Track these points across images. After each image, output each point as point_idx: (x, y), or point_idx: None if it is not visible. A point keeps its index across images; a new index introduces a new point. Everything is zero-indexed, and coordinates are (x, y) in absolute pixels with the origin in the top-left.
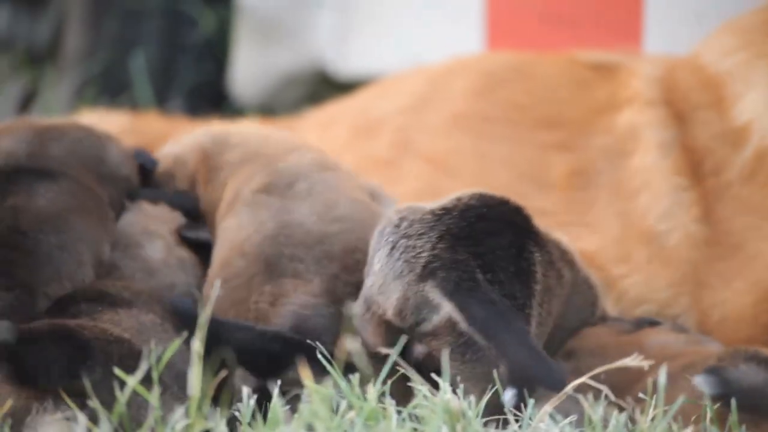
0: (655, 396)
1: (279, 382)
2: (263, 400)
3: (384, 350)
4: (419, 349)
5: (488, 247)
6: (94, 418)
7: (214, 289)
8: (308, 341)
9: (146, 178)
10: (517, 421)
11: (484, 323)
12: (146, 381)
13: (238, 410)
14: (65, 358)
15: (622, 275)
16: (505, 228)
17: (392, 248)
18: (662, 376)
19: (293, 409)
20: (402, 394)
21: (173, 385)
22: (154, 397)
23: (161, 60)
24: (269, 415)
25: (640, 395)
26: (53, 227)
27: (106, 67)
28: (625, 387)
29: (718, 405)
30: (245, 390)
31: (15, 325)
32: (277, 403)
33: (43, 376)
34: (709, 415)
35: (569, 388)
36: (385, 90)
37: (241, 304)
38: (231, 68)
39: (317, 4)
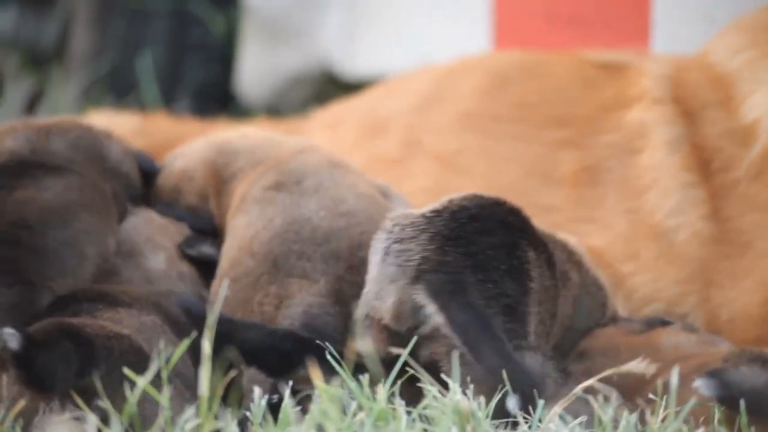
0: (665, 397)
1: (290, 383)
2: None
3: (395, 350)
4: (423, 352)
5: (479, 247)
6: (102, 417)
7: (221, 289)
8: (318, 341)
9: (147, 182)
10: (526, 421)
11: (463, 327)
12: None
13: (249, 410)
14: (74, 358)
15: (630, 272)
16: (497, 227)
17: (385, 253)
18: (674, 377)
19: (303, 410)
20: (412, 395)
21: (175, 380)
22: (164, 397)
23: (168, 60)
24: (280, 415)
25: (650, 396)
26: (60, 221)
27: (113, 68)
28: (638, 388)
29: (723, 408)
30: (256, 390)
31: (21, 331)
32: (288, 403)
33: (52, 377)
34: (717, 416)
35: (579, 389)
36: (393, 89)
37: (246, 304)
38: (238, 68)
39: (324, 4)
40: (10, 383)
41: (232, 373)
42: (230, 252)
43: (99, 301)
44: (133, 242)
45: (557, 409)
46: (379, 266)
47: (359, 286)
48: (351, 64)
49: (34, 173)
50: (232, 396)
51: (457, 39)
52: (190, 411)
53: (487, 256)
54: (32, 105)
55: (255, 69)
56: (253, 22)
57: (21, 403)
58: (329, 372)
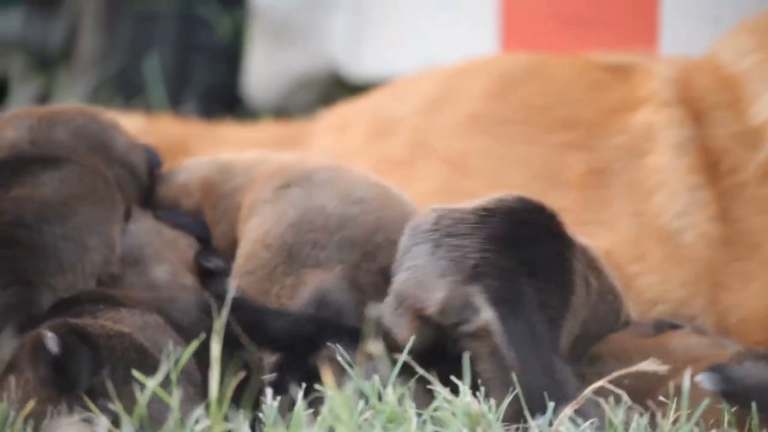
0: (676, 399)
1: (303, 385)
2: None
3: (398, 354)
4: (456, 347)
5: (532, 254)
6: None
7: (230, 289)
8: (329, 344)
9: (150, 176)
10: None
11: (517, 339)
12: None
13: (261, 412)
14: (87, 360)
15: (637, 274)
16: (545, 234)
17: (436, 245)
18: (686, 380)
19: (315, 412)
20: (423, 397)
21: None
22: (174, 399)
23: (175, 62)
24: (292, 418)
25: (661, 398)
26: (58, 216)
27: (120, 70)
28: (649, 390)
29: (733, 410)
30: (268, 391)
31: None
32: (300, 406)
33: (77, 378)
34: (727, 418)
35: (589, 391)
36: (400, 91)
37: (263, 295)
38: (245, 70)
39: (331, 6)
40: (18, 385)
41: (242, 374)
42: (245, 248)
43: (101, 302)
44: (139, 251)
45: (568, 411)
46: (427, 257)
47: (375, 272)
48: (358, 65)
49: (32, 169)
50: (245, 397)
51: (464, 41)
52: (199, 412)
53: (538, 264)
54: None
55: (262, 71)
56: (260, 24)
57: (30, 405)
58: (342, 370)
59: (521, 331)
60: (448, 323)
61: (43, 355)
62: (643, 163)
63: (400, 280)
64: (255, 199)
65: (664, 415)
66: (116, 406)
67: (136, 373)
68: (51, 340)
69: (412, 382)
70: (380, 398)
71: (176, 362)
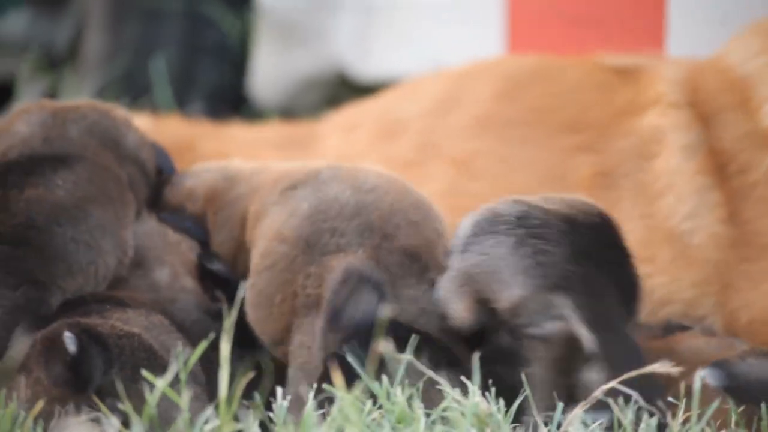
0: (685, 400)
1: (315, 385)
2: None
3: (402, 355)
4: (505, 339)
5: (609, 264)
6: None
7: (240, 291)
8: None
9: (158, 177)
10: (546, 424)
11: (612, 354)
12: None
13: (272, 411)
14: (100, 359)
15: (646, 275)
16: (613, 243)
17: (519, 243)
18: (697, 381)
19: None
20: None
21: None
22: (183, 399)
23: (181, 63)
24: (303, 419)
25: (670, 399)
26: (70, 219)
27: (127, 71)
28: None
29: (741, 410)
30: (279, 391)
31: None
32: (311, 407)
33: (90, 378)
34: (734, 418)
35: (599, 391)
36: (407, 93)
37: (287, 285)
38: (251, 71)
39: (337, 7)
40: (27, 385)
41: (251, 374)
42: (260, 248)
43: (107, 303)
44: (142, 253)
45: (578, 411)
46: (510, 251)
47: (398, 252)
48: (364, 66)
49: (44, 170)
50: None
51: (470, 42)
52: (209, 411)
53: (612, 275)
54: None
55: (268, 71)
56: (267, 24)
57: (39, 404)
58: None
59: (614, 345)
60: (514, 321)
61: (58, 354)
62: (651, 165)
63: (469, 261)
64: (262, 204)
65: (674, 415)
66: (125, 406)
67: (145, 373)
68: (69, 340)
69: (420, 383)
70: (389, 398)
71: (185, 362)
